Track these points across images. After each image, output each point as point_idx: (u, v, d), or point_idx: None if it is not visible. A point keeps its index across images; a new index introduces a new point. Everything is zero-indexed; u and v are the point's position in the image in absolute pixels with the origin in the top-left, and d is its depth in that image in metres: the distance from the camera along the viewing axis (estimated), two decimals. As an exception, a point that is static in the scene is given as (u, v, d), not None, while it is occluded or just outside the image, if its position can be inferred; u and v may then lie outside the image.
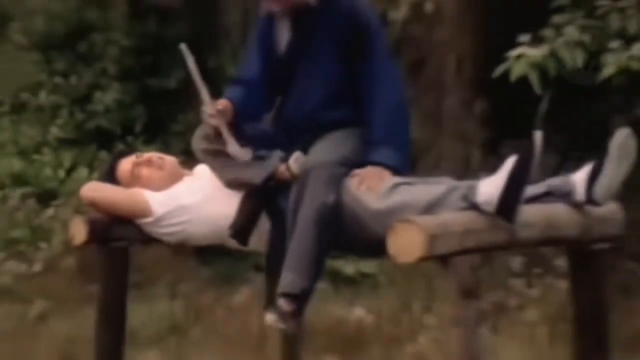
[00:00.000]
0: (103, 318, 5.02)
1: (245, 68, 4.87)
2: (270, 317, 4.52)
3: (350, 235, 4.47)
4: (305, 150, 4.61)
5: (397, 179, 4.40)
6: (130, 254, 4.98)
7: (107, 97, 11.01)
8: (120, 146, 10.61)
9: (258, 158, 4.66)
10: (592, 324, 4.47)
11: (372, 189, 4.37)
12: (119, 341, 5.01)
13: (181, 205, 4.73)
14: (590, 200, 4.25)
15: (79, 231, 4.90)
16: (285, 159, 4.60)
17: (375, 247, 4.26)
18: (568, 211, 4.26)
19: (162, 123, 10.85)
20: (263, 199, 4.63)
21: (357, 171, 4.47)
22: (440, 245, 3.89)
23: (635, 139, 4.22)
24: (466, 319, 3.96)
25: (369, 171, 4.45)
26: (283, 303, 4.44)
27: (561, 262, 6.30)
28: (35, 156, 10.97)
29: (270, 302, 4.54)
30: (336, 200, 4.40)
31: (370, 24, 4.68)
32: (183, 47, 4.67)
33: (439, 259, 3.94)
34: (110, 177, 5.04)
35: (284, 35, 4.74)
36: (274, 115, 4.88)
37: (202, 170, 4.93)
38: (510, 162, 4.01)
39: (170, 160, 5.04)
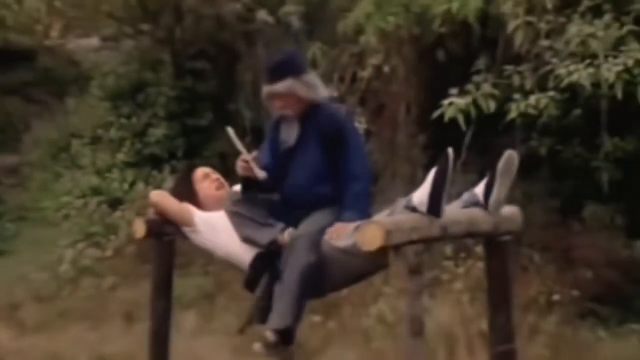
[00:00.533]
0: (156, 289, 5.01)
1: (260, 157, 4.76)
2: (257, 347, 4.44)
3: (336, 275, 4.43)
4: (298, 222, 4.55)
5: (358, 223, 4.33)
6: (175, 244, 4.98)
7: (158, 132, 11.00)
8: (167, 168, 10.62)
9: (267, 225, 4.61)
10: (500, 292, 4.45)
11: (340, 236, 4.33)
12: (168, 305, 5.01)
13: (213, 234, 4.70)
14: (486, 207, 4.24)
15: (139, 228, 4.89)
16: (284, 229, 4.55)
17: (356, 277, 4.37)
18: (483, 213, 4.26)
19: (196, 151, 10.83)
20: (268, 260, 4.54)
21: (328, 229, 4.41)
22: (394, 237, 3.89)
23: (516, 158, 4.20)
24: (412, 289, 3.96)
25: (337, 225, 4.40)
26: (270, 335, 4.36)
27: (479, 249, 6.30)
28: (107, 174, 10.95)
29: (246, 325, 4.56)
30: (317, 259, 4.35)
31: (347, 128, 4.62)
32: (229, 130, 4.65)
33: (393, 247, 3.94)
34: (185, 185, 5.00)
35: (293, 132, 4.66)
36: (281, 193, 4.78)
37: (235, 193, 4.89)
38: (432, 173, 4.01)
39: (227, 187, 4.97)
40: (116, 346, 6.51)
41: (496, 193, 4.19)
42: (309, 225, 4.49)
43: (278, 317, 4.36)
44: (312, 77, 4.67)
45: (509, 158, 4.18)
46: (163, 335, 4.96)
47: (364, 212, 4.43)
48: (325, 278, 4.40)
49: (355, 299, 7.56)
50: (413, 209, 4.04)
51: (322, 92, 4.67)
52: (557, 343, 6.54)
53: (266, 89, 4.64)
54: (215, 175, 4.98)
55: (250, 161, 4.60)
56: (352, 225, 4.32)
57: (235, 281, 8.44)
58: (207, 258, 8.93)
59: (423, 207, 4.00)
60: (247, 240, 4.61)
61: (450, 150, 3.97)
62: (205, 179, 4.96)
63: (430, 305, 5.70)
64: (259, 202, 4.69)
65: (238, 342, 7.31)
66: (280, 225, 4.57)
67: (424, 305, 4.09)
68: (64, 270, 9.11)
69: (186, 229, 4.74)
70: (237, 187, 4.93)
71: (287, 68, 4.58)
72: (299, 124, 4.64)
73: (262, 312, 4.47)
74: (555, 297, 7.09)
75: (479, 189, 4.26)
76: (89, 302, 8.25)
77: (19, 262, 9.86)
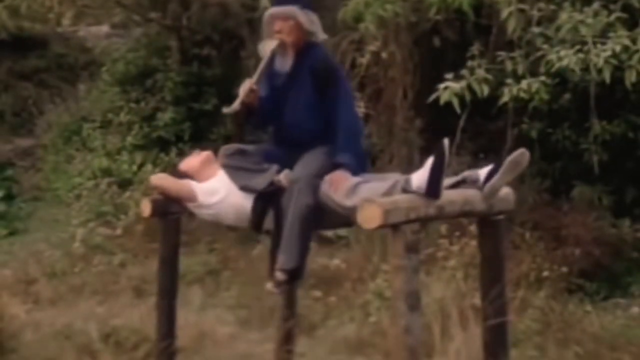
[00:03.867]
0: (163, 265, 5.00)
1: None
2: (269, 286, 4.56)
3: (330, 220, 4.51)
4: (294, 161, 4.58)
5: (357, 179, 4.37)
6: (180, 222, 4.96)
7: (165, 116, 10.96)
8: (174, 150, 10.59)
9: (261, 170, 4.63)
10: (493, 268, 4.46)
11: (339, 189, 4.34)
12: (173, 281, 5.00)
13: (215, 200, 4.68)
14: (481, 190, 4.24)
15: (146, 207, 4.89)
16: (280, 171, 4.59)
17: (347, 222, 4.34)
18: (478, 194, 4.24)
19: (202, 134, 10.80)
20: (268, 200, 4.57)
21: (327, 177, 4.43)
22: (392, 217, 3.88)
23: (527, 158, 4.19)
24: (409, 266, 3.95)
25: (335, 175, 4.41)
26: (279, 275, 4.46)
27: (473, 228, 6.28)
28: (117, 156, 10.92)
29: (272, 271, 4.55)
30: (315, 201, 4.41)
31: (339, 74, 4.70)
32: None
33: (392, 226, 3.92)
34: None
35: (287, 63, 4.70)
36: (274, 129, 4.85)
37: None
38: (430, 160, 4.02)
39: (208, 154, 4.98)
40: (125, 319, 6.50)
41: (495, 181, 4.20)
42: (304, 167, 4.53)
43: (286, 258, 4.44)
44: (316, 17, 4.73)
45: (520, 155, 4.17)
46: (170, 309, 4.96)
47: (359, 155, 4.52)
48: (325, 216, 4.48)
49: (354, 276, 7.56)
50: (412, 193, 4.03)
51: (321, 34, 4.74)
52: (546, 317, 6.54)
53: (270, 10, 4.70)
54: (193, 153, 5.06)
55: (255, 90, 4.60)
56: (350, 182, 4.32)
57: (240, 257, 8.48)
58: (213, 236, 8.95)
59: (421, 191, 4.01)
60: (244, 189, 4.63)
61: (446, 140, 4.01)
62: (184, 160, 5.04)
63: (426, 282, 5.68)
64: (250, 151, 4.75)
65: (242, 315, 7.32)
66: (275, 167, 4.61)
67: (420, 282, 4.08)
68: (76, 247, 9.09)
69: (191, 205, 4.72)
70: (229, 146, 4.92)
71: None
72: (293, 57, 4.67)
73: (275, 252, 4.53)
74: (545, 273, 7.09)
75: (483, 172, 4.26)
76: (99, 278, 8.24)
77: (34, 240, 9.85)
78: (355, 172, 4.45)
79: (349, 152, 4.48)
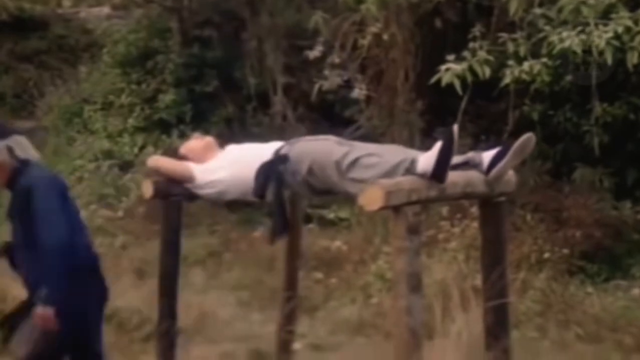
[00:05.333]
0: (164, 247, 4.98)
1: None
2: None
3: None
4: None
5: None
6: (182, 204, 4.95)
7: (167, 98, 10.94)
8: (175, 132, 10.58)
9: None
10: (494, 250, 4.45)
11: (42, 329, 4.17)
12: (175, 262, 4.99)
13: (214, 177, 4.64)
14: (487, 175, 4.19)
15: (147, 189, 4.85)
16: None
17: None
18: (480, 176, 4.23)
19: (203, 116, 10.78)
20: (271, 167, 4.46)
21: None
22: (394, 198, 3.86)
23: (533, 142, 4.17)
24: (411, 247, 3.94)
25: (36, 317, 4.16)
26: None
27: (474, 210, 6.29)
28: (118, 138, 10.91)
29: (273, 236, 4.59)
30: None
31: (37, 192, 4.23)
32: None
33: (393, 208, 3.92)
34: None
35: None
36: None
37: (231, 148, 4.88)
38: (438, 144, 3.97)
39: (210, 139, 4.96)
40: (128, 300, 6.51)
41: (501, 166, 4.15)
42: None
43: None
44: (15, 140, 4.42)
45: (527, 140, 4.11)
46: (171, 290, 4.95)
47: (58, 290, 4.15)
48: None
49: (355, 257, 7.57)
50: (418, 176, 4.00)
51: (27, 154, 4.44)
52: (547, 298, 6.55)
53: None
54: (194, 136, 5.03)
55: None
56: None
57: (241, 239, 8.49)
58: (214, 218, 8.96)
59: (427, 174, 3.97)
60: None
61: (455, 126, 3.95)
62: (186, 143, 5.00)
63: (427, 264, 5.69)
64: None
65: (244, 296, 7.34)
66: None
67: (421, 264, 4.08)
68: (78, 229, 9.11)
69: (190, 186, 4.71)
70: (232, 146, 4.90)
71: None
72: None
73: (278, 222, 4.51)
74: (546, 255, 7.11)
75: (487, 156, 4.21)
76: (101, 259, 8.25)
77: (35, 222, 9.86)
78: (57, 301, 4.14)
79: (48, 287, 4.15)
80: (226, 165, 4.66)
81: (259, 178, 4.48)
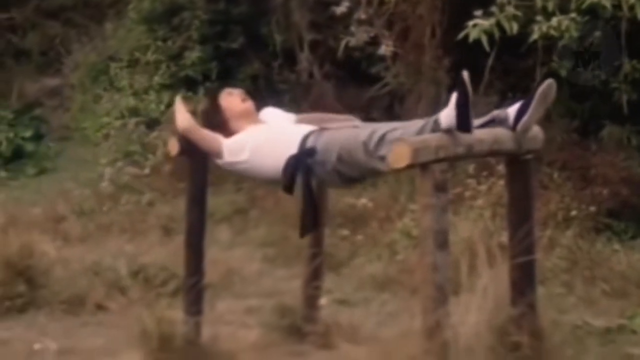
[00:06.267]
0: (191, 204, 5.01)
1: None
2: None
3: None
4: None
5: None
6: (208, 161, 4.96)
7: (193, 55, 10.89)
8: (201, 89, 10.56)
9: None
10: (520, 208, 4.45)
11: None
12: (202, 219, 5.01)
13: (236, 159, 4.66)
14: (514, 129, 4.19)
15: (173, 147, 4.89)
16: None
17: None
18: (507, 133, 4.21)
19: (229, 73, 10.75)
20: (299, 160, 4.45)
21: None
22: (422, 156, 3.88)
23: (555, 87, 4.14)
24: (438, 205, 3.94)
25: None
26: None
27: (501, 168, 6.25)
28: (144, 96, 10.90)
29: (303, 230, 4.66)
30: None
31: None
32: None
33: (420, 165, 3.91)
34: (214, 109, 4.97)
35: None
36: None
37: (259, 128, 4.81)
38: (454, 96, 3.96)
39: (251, 104, 4.93)
40: (154, 257, 6.57)
41: (528, 117, 4.14)
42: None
43: None
44: None
45: (549, 86, 4.10)
46: (198, 247, 4.98)
47: None
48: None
49: (381, 215, 7.57)
50: (444, 131, 3.98)
51: None
52: (574, 255, 6.55)
53: None
54: (238, 91, 4.97)
55: None
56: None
57: (268, 197, 8.51)
58: (240, 176, 8.98)
59: (452, 128, 3.95)
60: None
61: (465, 73, 3.91)
62: (229, 95, 4.95)
63: (453, 221, 5.68)
64: None
65: (270, 253, 7.37)
66: None
67: (448, 221, 4.08)
68: (104, 186, 9.16)
69: (219, 162, 4.72)
70: (269, 109, 4.89)
71: None
72: None
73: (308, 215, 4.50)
74: (573, 212, 7.09)
75: (512, 110, 4.20)
76: (128, 216, 8.31)
77: (62, 179, 9.94)
78: None
79: None
80: (249, 148, 4.63)
81: (287, 172, 4.47)
